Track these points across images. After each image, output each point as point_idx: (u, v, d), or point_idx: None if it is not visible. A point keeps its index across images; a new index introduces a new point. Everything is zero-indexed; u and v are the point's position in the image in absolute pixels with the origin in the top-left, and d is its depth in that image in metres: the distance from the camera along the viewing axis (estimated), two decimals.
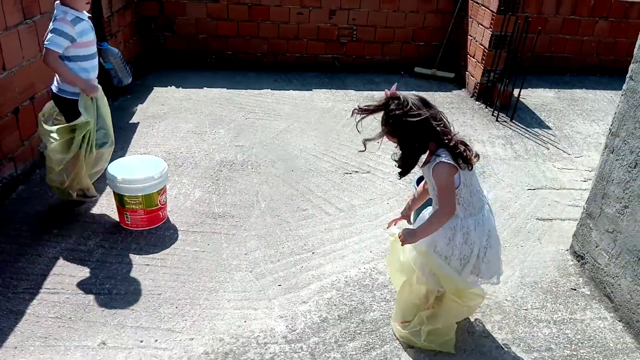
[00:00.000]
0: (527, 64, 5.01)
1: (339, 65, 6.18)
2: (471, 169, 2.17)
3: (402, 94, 2.13)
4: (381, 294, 2.76)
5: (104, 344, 2.35)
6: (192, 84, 5.44)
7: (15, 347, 2.29)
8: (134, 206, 3.05)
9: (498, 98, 5.21)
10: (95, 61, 3.07)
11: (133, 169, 3.09)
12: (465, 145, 2.17)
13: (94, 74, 3.06)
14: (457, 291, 2.28)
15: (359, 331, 2.51)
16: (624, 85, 2.72)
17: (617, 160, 2.75)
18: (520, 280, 2.94)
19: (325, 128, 4.68)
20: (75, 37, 2.83)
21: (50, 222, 3.14)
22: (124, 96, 5.06)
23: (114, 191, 3.08)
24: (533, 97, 5.80)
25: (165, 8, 5.65)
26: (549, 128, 5.01)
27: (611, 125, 2.82)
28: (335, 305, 2.66)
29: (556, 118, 5.25)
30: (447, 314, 2.37)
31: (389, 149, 4.36)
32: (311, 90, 5.56)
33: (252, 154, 4.11)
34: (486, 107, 5.42)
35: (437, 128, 2.08)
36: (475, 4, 5.70)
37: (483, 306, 2.70)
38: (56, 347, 2.31)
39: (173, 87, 5.37)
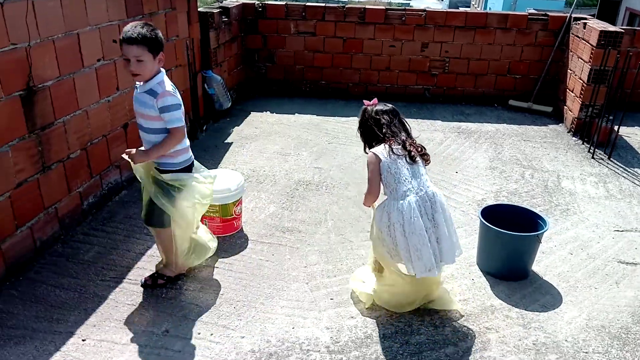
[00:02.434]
0: (632, 100, 4.69)
1: (429, 96, 6.23)
2: (412, 163, 2.59)
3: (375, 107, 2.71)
4: (431, 319, 2.76)
5: (167, 331, 2.62)
6: (285, 110, 5.82)
7: (94, 326, 2.64)
8: (211, 214, 3.36)
9: (596, 134, 4.92)
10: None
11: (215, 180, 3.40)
12: (408, 145, 2.60)
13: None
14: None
15: (401, 352, 2.53)
16: None
17: None
18: (587, 322, 2.76)
19: None
20: None
21: (143, 223, 3.56)
22: (224, 119, 5.56)
23: None
24: (639, 135, 5.37)
25: (268, 42, 6.14)
26: None
27: None
28: (382, 324, 2.71)
29: None
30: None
31: (466, 180, 4.33)
32: None
33: (329, 176, 4.31)
34: (583, 144, 5.14)
35: (379, 132, 2.62)
36: (576, 37, 5.49)
37: (539, 344, 2.59)
38: (127, 329, 2.63)
39: (268, 112, 5.79)
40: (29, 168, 2.93)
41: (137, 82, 2.63)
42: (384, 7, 5.99)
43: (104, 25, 3.40)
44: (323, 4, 5.95)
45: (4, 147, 2.74)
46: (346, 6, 5.89)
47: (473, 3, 45.98)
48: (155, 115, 2.57)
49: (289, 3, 5.97)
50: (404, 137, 2.65)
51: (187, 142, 2.75)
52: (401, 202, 2.54)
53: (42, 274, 2.99)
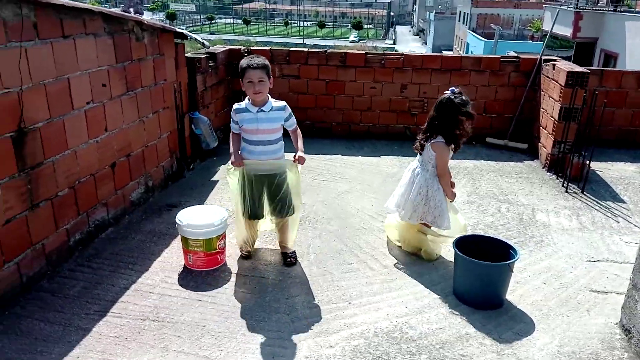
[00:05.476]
0: (602, 137, 4.92)
1: (410, 135, 6.45)
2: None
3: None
4: (408, 347, 2.84)
5: None
6: None
7: (78, 357, 2.68)
8: (195, 248, 3.46)
9: (568, 169, 5.13)
10: (254, 147, 3.43)
11: (199, 216, 3.53)
12: None
13: (252, 155, 3.47)
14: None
15: None
16: None
17: None
18: (558, 349, 2.86)
19: (386, 191, 4.87)
20: (238, 122, 3.44)
21: (128, 259, 3.64)
22: (211, 158, 5.71)
23: (181, 234, 3.53)
24: (612, 170, 5.59)
25: None
26: (623, 202, 4.81)
27: None
28: (360, 352, 2.79)
29: (633, 192, 5.02)
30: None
31: None
32: (379, 156, 5.86)
33: (312, 211, 4.43)
34: (557, 178, 5.33)
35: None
36: (546, 78, 5.78)
37: None
38: None
39: None
40: (17, 205, 3.04)
41: (250, 109, 3.37)
42: (364, 52, 6.28)
43: (93, 70, 3.58)
44: (306, 49, 6.23)
45: None
46: (328, 51, 6.17)
47: (456, 47, 47.50)
48: (280, 126, 3.42)
49: (273, 48, 6.25)
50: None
51: None
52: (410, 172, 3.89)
53: (27, 309, 3.05)
